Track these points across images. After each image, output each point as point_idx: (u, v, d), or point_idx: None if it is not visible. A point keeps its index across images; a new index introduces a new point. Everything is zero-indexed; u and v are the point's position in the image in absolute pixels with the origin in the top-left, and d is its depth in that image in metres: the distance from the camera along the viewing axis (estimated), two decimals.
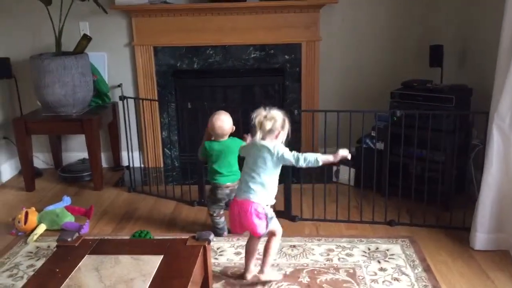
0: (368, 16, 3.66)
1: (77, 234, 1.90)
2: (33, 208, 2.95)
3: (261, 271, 2.33)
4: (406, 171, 3.09)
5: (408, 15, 3.63)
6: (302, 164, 2.24)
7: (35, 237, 2.77)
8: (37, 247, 2.70)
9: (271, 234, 2.30)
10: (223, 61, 3.75)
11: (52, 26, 3.41)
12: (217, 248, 2.67)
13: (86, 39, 3.51)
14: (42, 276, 1.65)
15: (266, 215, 2.20)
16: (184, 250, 1.80)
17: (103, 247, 1.83)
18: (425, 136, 2.81)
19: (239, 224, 2.23)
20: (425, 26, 3.61)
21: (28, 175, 3.51)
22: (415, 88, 3.18)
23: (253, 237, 2.32)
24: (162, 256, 1.75)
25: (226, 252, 2.64)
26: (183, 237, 1.89)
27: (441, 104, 3.01)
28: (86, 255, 1.76)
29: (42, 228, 2.86)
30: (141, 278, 1.61)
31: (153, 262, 1.71)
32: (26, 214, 2.87)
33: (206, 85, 3.89)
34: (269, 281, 2.34)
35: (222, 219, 2.79)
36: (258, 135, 2.21)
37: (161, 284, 1.59)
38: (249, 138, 2.49)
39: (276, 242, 2.32)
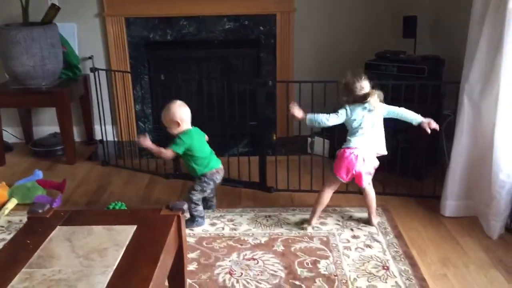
0: None
1: (48, 206, 1.87)
2: (3, 183, 2.90)
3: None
4: None
5: None
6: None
7: (6, 212, 2.73)
8: (9, 222, 2.66)
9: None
10: (196, 32, 3.69)
11: None
12: None
13: (54, 8, 3.41)
14: (12, 247, 1.62)
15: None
16: (157, 219, 1.79)
17: (75, 218, 1.81)
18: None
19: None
20: None
21: None
22: (388, 58, 3.19)
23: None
24: (135, 226, 1.73)
25: None
26: (156, 208, 1.87)
27: (414, 74, 3.03)
28: (58, 226, 1.74)
29: (13, 202, 2.81)
30: (115, 247, 1.60)
31: (127, 232, 1.70)
32: None
33: (180, 56, 3.83)
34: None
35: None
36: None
37: (134, 252, 1.58)
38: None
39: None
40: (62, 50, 3.51)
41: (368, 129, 2.48)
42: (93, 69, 3.28)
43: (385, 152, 2.55)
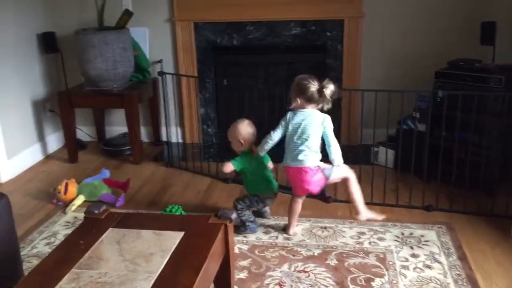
0: None
1: (104, 207, 1.94)
2: (73, 180, 3.05)
3: (357, 212, 2.50)
4: (448, 155, 2.95)
5: None
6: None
7: (73, 208, 2.87)
8: (75, 217, 2.80)
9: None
10: (263, 37, 3.69)
11: (94, 1, 3.47)
12: None
13: (127, 14, 3.55)
14: (66, 246, 1.70)
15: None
16: (205, 227, 1.79)
17: (127, 221, 1.86)
18: (470, 118, 2.67)
19: None
20: (478, 1, 3.40)
21: (71, 147, 3.63)
22: (461, 67, 3.01)
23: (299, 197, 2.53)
24: (183, 233, 1.75)
25: None
26: (205, 215, 1.89)
27: (489, 85, 2.84)
28: (110, 228, 1.80)
29: (80, 199, 2.95)
30: (160, 253, 1.63)
31: (174, 238, 1.72)
32: (66, 185, 2.97)
33: (246, 61, 3.85)
34: (371, 219, 2.55)
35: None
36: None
37: (178, 260, 1.59)
38: None
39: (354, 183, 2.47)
40: (134, 53, 3.65)
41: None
42: (161, 73, 3.38)
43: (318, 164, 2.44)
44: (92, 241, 1.71)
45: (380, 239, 2.52)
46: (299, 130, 2.39)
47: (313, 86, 2.37)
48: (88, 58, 3.41)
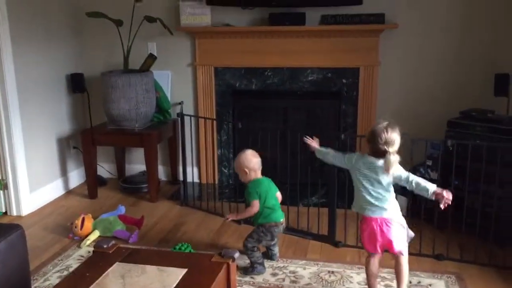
0: (429, 42, 3.57)
1: (113, 242, 2.01)
2: (90, 215, 3.15)
3: None
4: (460, 204, 2.94)
5: (472, 42, 3.49)
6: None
7: (88, 242, 2.95)
8: (88, 252, 2.87)
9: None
10: (280, 83, 3.81)
11: (121, 45, 3.66)
12: None
13: (151, 58, 3.72)
14: (74, 278, 1.77)
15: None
16: (208, 265, 1.84)
17: (134, 257, 1.92)
18: (482, 168, 2.68)
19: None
20: (491, 53, 3.46)
21: (91, 183, 3.75)
22: (473, 117, 3.04)
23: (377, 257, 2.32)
24: (186, 270, 1.80)
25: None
26: (209, 253, 1.94)
27: (501, 135, 2.85)
28: (117, 262, 1.86)
29: (95, 234, 3.04)
30: None
31: (177, 274, 1.77)
32: (83, 220, 3.07)
33: (263, 106, 3.96)
34: None
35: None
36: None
37: None
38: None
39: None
40: (156, 95, 3.80)
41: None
42: (180, 115, 3.52)
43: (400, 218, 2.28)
44: (98, 274, 1.77)
45: (388, 286, 2.51)
46: None
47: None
48: (112, 99, 3.58)
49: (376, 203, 2.22)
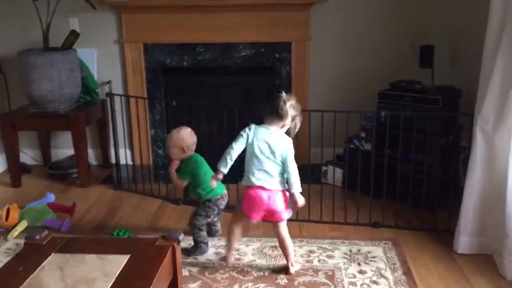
0: (358, 16, 3.62)
1: (46, 232, 1.88)
2: (15, 205, 2.94)
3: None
4: (393, 173, 3.05)
5: (399, 15, 3.59)
6: None
7: (15, 234, 2.76)
8: (17, 244, 2.68)
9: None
10: (212, 59, 3.72)
11: (40, 22, 3.40)
12: None
13: (73, 35, 3.49)
14: (4, 274, 1.63)
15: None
16: (151, 250, 1.77)
17: (71, 246, 1.81)
18: (412, 137, 2.78)
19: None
20: (417, 26, 3.57)
21: (14, 171, 3.50)
22: (402, 88, 3.14)
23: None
24: (128, 256, 1.72)
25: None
26: (152, 237, 1.86)
27: (428, 105, 2.97)
28: (52, 254, 1.74)
29: (23, 224, 2.84)
30: (104, 278, 1.59)
31: (119, 261, 1.69)
32: (8, 210, 2.85)
33: (195, 83, 3.86)
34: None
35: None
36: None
37: (123, 284, 1.56)
38: None
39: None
40: (81, 74, 3.59)
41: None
42: (109, 94, 3.34)
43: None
44: (32, 268, 1.65)
45: (329, 256, 2.56)
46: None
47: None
48: (32, 79, 3.32)
49: None
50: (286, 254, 2.40)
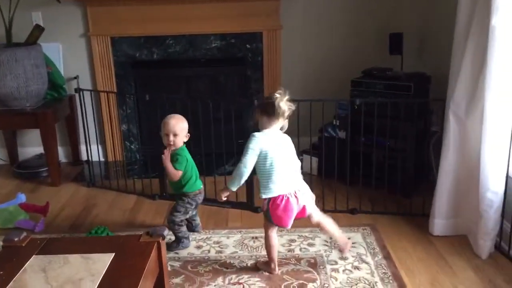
0: (328, 5, 3.63)
1: (24, 234, 1.82)
2: None
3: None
4: (368, 160, 3.09)
5: (369, 4, 3.62)
6: None
7: None
8: None
9: None
10: (183, 51, 3.67)
11: (1, 16, 3.27)
12: None
13: (38, 29, 3.37)
14: None
15: None
16: (137, 247, 1.74)
17: (51, 247, 1.76)
18: (386, 124, 2.82)
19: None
20: (385, 14, 3.61)
21: None
22: (374, 76, 3.18)
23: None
24: (113, 254, 1.69)
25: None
26: (136, 234, 1.83)
27: (400, 91, 3.01)
28: (33, 256, 1.69)
29: None
30: (90, 278, 1.55)
31: (104, 260, 1.65)
32: None
33: (166, 76, 3.81)
34: None
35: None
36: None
37: (110, 283, 1.53)
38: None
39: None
40: (47, 70, 3.47)
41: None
42: (78, 90, 3.25)
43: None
44: (14, 271, 1.59)
45: (310, 244, 2.58)
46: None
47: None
48: None
49: None
50: (335, 238, 2.42)
